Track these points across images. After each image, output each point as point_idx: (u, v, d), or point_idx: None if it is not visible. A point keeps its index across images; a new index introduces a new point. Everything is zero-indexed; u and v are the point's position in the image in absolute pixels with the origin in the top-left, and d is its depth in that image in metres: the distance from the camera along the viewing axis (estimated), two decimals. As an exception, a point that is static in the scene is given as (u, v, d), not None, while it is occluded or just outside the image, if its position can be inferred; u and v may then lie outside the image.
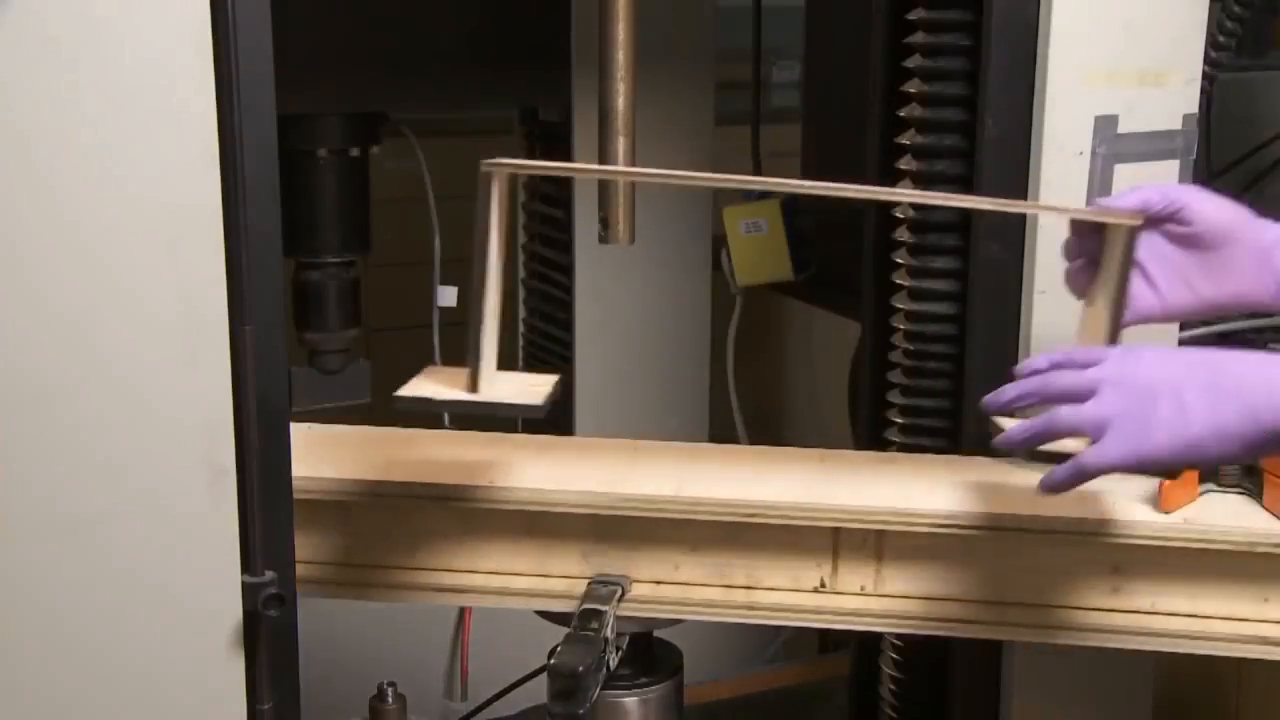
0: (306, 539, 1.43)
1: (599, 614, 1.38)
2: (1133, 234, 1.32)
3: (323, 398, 2.00)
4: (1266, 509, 1.40)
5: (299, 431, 1.55)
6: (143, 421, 1.14)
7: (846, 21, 1.95)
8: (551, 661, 1.33)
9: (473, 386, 1.31)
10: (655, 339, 2.34)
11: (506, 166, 1.26)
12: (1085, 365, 1.20)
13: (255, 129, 1.12)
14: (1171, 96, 1.59)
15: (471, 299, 1.29)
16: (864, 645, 1.94)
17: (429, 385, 1.33)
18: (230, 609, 1.19)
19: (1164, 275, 1.35)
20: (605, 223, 1.49)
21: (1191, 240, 1.34)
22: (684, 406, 2.38)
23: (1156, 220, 1.33)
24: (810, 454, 1.55)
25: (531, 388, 1.37)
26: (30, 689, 1.16)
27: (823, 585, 1.44)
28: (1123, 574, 1.41)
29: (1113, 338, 1.33)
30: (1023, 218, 1.59)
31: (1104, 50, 1.55)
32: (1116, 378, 1.18)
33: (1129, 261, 1.33)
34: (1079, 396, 1.19)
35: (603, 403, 2.31)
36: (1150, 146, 1.59)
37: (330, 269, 2.01)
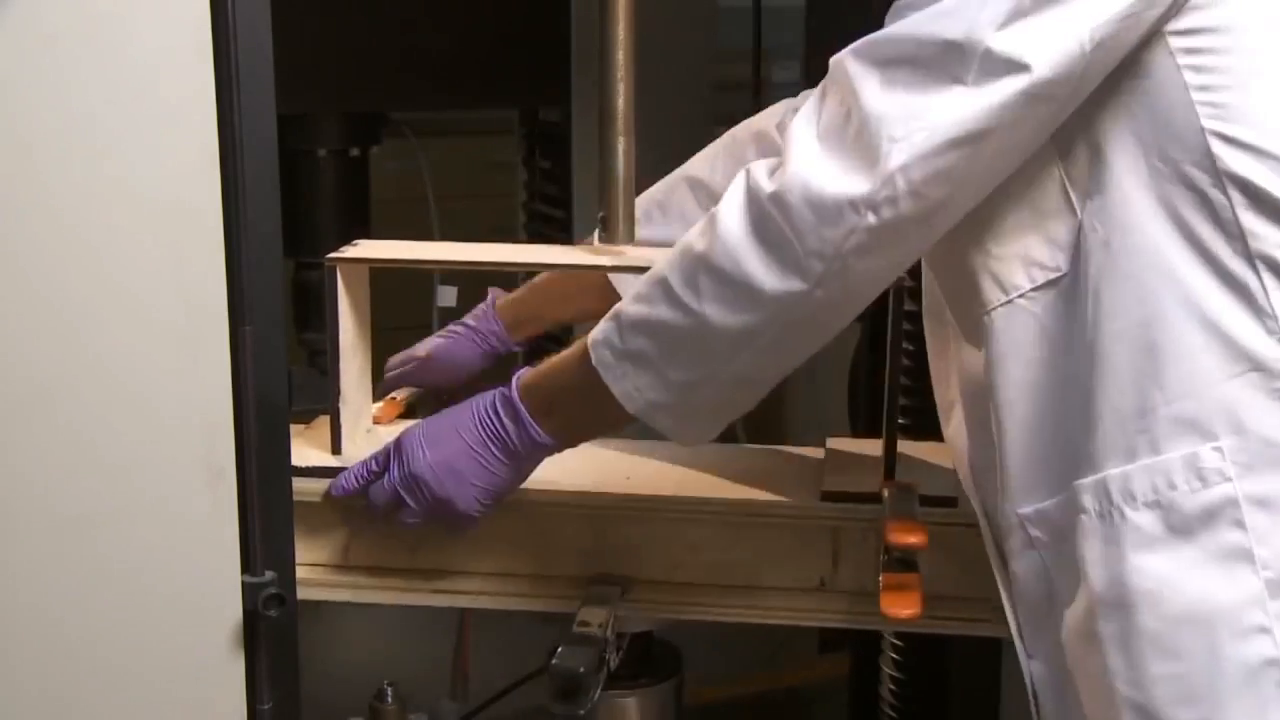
0: (306, 539, 1.43)
1: (599, 614, 1.38)
2: None
3: (323, 398, 2.00)
4: None
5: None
6: (142, 421, 1.14)
7: (846, 22, 1.95)
8: (551, 662, 1.33)
9: (335, 449, 1.50)
10: (655, 339, 2.34)
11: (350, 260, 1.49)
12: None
13: (255, 129, 1.12)
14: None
15: (329, 378, 1.50)
16: (864, 645, 1.94)
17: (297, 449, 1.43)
18: (230, 609, 1.19)
19: None
20: (605, 223, 1.49)
21: None
22: (684, 406, 2.37)
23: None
24: (812, 453, 1.55)
25: None
26: (30, 689, 1.16)
27: (823, 584, 1.44)
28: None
29: None
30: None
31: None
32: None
33: None
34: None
35: (603, 403, 2.30)
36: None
37: (330, 269, 2.01)
